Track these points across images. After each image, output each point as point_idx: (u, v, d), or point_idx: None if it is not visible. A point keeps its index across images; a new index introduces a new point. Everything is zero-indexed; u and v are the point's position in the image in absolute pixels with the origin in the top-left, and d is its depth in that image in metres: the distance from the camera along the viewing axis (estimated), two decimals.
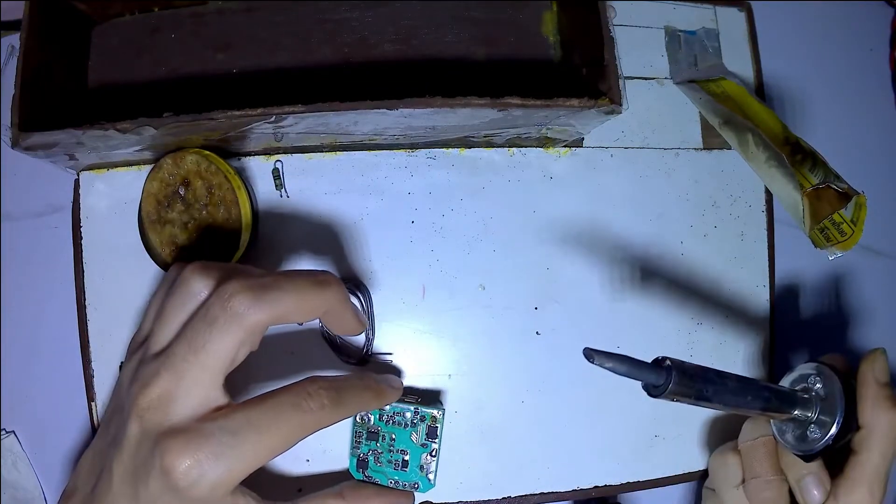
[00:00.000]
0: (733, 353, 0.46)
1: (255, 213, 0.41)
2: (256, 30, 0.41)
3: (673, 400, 0.28)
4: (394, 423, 0.37)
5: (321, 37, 0.42)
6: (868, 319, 0.50)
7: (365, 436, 0.37)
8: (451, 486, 0.42)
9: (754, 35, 0.49)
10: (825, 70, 0.51)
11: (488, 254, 0.44)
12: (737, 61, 0.48)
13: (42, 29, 0.35)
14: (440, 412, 0.37)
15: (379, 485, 0.37)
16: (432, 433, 0.36)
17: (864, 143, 0.51)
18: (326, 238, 0.42)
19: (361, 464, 0.37)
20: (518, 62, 0.43)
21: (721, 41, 0.48)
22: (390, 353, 0.42)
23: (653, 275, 0.45)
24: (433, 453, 0.37)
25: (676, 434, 0.45)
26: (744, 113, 0.43)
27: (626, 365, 0.27)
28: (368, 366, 0.42)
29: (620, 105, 0.36)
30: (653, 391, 0.28)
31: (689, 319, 0.46)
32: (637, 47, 0.47)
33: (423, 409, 0.37)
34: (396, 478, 0.37)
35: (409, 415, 0.37)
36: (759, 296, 0.47)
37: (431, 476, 0.37)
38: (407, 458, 0.37)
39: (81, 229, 0.41)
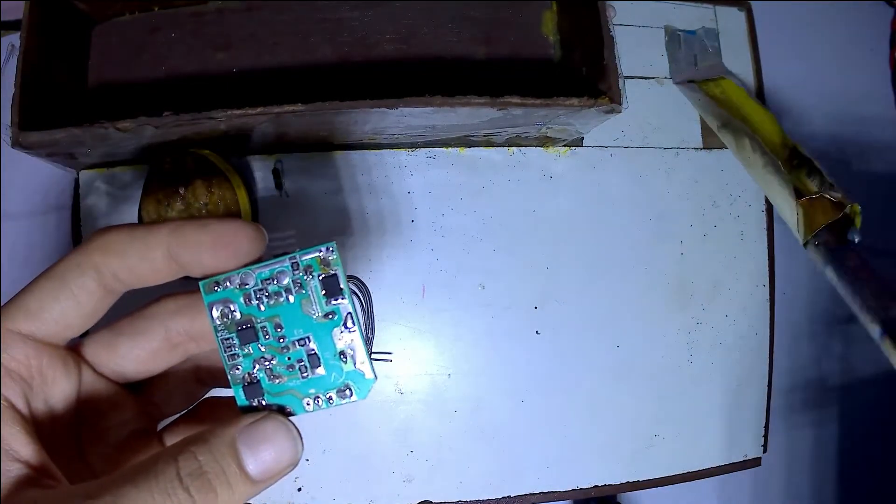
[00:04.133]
0: (733, 353, 0.46)
1: (254, 211, 0.41)
2: (256, 29, 0.41)
3: None
4: (269, 298, 0.22)
5: (321, 36, 0.42)
6: None
7: (237, 341, 0.22)
8: (450, 485, 0.42)
9: (754, 35, 0.49)
10: (825, 70, 0.51)
11: (488, 253, 0.44)
12: (737, 61, 0.48)
13: (42, 29, 0.35)
14: (329, 249, 0.22)
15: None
16: (332, 287, 0.22)
17: (864, 142, 0.51)
18: (326, 237, 0.42)
19: (251, 390, 0.22)
20: (518, 62, 0.43)
21: (721, 41, 0.48)
22: (390, 353, 0.42)
23: (653, 274, 0.45)
24: (350, 322, 0.22)
25: (676, 434, 0.45)
26: (742, 116, 0.43)
27: None
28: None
29: (620, 104, 0.36)
30: None
31: (689, 319, 0.46)
32: (637, 47, 0.47)
33: (303, 256, 0.22)
34: (313, 389, 0.22)
35: (285, 276, 0.22)
36: (759, 295, 0.47)
37: (363, 364, 0.22)
38: (313, 347, 0.22)
39: (81, 228, 0.41)
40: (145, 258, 0.21)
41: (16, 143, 0.33)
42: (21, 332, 0.20)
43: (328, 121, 0.36)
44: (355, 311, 0.22)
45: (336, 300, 0.22)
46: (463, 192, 0.44)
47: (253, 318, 0.22)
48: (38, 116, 0.34)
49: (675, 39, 0.47)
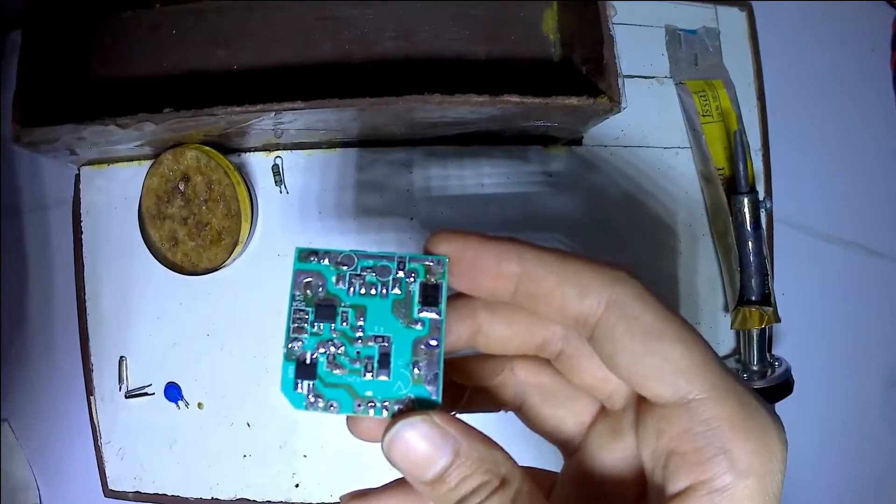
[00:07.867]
0: (732, 353, 0.46)
1: (254, 208, 0.41)
2: (257, 26, 0.41)
3: None
4: (362, 286, 0.21)
5: (322, 33, 0.42)
6: (867, 319, 0.50)
7: (311, 317, 0.20)
8: None
9: (755, 35, 0.49)
10: (826, 70, 0.51)
11: None
12: (737, 61, 0.48)
13: (42, 26, 0.35)
14: (440, 262, 0.21)
15: None
16: (431, 297, 0.21)
17: (864, 143, 0.51)
18: (325, 234, 0.42)
19: (304, 371, 0.20)
20: (518, 60, 0.43)
21: (722, 40, 0.48)
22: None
23: (652, 274, 0.45)
24: (434, 339, 0.20)
25: None
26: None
27: None
28: None
29: (620, 103, 0.36)
30: None
31: (689, 319, 0.46)
32: (637, 46, 0.47)
33: (412, 261, 0.21)
34: (370, 392, 0.20)
35: (388, 271, 0.21)
36: None
37: (432, 384, 0.20)
38: (387, 347, 0.20)
39: (81, 224, 0.41)
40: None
41: (16, 140, 0.33)
42: None
43: (328, 118, 0.36)
44: (443, 329, 0.20)
45: (429, 311, 0.20)
46: (462, 191, 0.44)
47: (337, 300, 0.21)
48: (38, 113, 0.34)
49: (675, 39, 0.47)
